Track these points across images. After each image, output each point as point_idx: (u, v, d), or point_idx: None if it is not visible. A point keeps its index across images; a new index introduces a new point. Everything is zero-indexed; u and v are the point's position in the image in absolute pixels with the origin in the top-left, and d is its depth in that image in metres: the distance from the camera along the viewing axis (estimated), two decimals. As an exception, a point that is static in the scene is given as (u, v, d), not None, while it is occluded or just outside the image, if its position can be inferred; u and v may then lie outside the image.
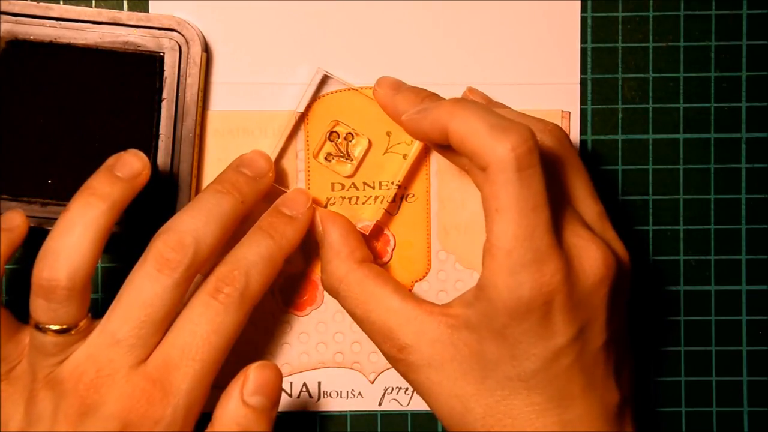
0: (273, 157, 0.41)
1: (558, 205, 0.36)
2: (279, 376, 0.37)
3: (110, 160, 0.37)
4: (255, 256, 0.38)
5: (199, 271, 0.37)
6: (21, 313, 0.37)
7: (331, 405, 0.44)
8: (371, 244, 0.43)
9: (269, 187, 0.40)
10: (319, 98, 0.43)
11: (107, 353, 0.35)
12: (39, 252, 0.35)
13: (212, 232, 0.37)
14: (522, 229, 0.34)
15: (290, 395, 0.43)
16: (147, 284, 0.35)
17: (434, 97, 0.40)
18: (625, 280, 0.38)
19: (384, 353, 0.39)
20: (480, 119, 0.34)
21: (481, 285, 0.36)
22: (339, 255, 0.39)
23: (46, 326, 0.35)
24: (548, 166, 0.35)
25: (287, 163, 0.43)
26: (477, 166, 0.35)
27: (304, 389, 0.43)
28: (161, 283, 0.35)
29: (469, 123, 0.34)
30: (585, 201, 0.38)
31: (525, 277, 0.34)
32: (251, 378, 0.36)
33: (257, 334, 0.43)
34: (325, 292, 0.43)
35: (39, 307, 0.35)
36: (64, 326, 0.35)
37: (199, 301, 0.36)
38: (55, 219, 0.41)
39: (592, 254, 0.35)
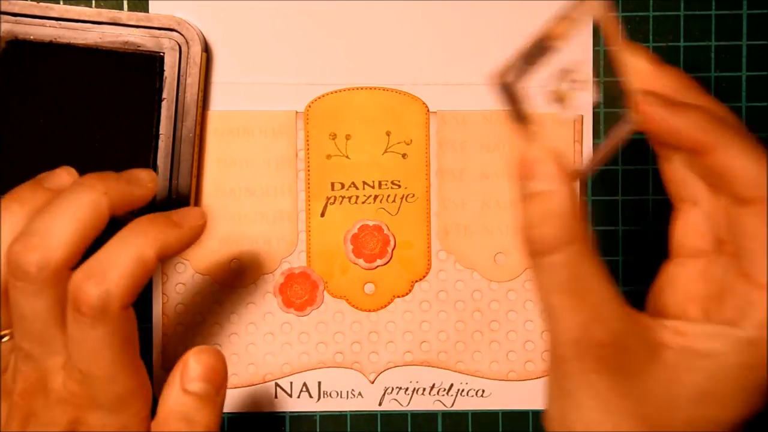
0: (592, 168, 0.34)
1: None
2: (221, 360, 0.34)
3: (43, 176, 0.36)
4: (119, 257, 0.32)
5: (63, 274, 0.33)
6: None
7: (331, 405, 0.44)
8: (371, 245, 0.43)
9: (144, 196, 0.35)
10: (319, 98, 0.43)
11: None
12: None
13: (68, 230, 0.32)
14: None
15: (290, 395, 0.44)
16: (21, 301, 0.32)
17: (694, 93, 0.33)
18: None
19: None
20: (751, 151, 0.31)
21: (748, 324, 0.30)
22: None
23: None
24: None
25: (287, 163, 0.43)
26: (734, 196, 0.31)
27: (304, 389, 0.44)
28: (30, 294, 0.32)
29: (740, 153, 0.31)
30: None
31: None
32: (190, 365, 0.34)
33: (257, 334, 0.43)
34: (326, 292, 0.43)
35: None
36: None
37: (70, 319, 0.32)
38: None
39: None
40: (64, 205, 0.33)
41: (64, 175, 0.36)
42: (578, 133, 0.43)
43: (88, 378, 0.32)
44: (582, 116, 0.43)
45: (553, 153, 0.30)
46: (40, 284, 0.32)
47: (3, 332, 0.34)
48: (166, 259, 0.35)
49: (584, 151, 0.43)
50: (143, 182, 0.35)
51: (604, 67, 0.43)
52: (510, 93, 0.29)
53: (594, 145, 0.43)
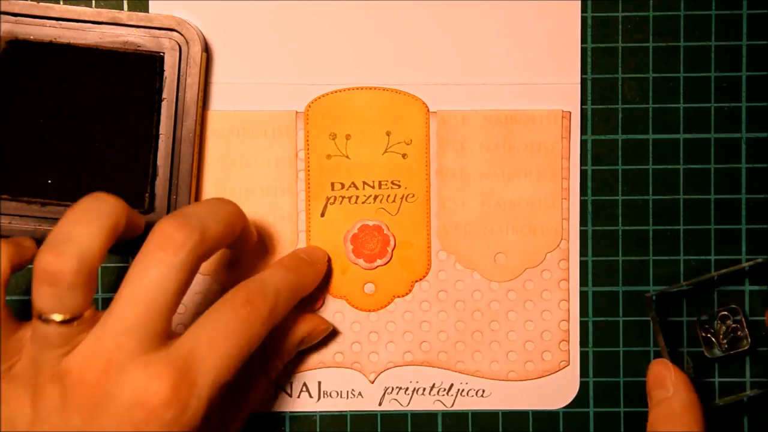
0: None
1: None
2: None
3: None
4: (282, 283, 0.37)
5: (204, 259, 0.35)
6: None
7: (331, 405, 0.44)
8: (371, 245, 0.43)
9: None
10: (319, 98, 0.43)
11: (116, 340, 0.34)
12: (45, 240, 0.34)
13: (217, 225, 0.36)
14: None
15: (290, 395, 0.43)
16: (152, 266, 0.34)
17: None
18: None
19: None
20: None
21: None
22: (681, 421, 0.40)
23: (50, 316, 0.34)
24: None
25: (287, 163, 0.43)
26: None
27: (304, 389, 0.43)
28: (166, 264, 0.34)
29: None
30: None
31: None
32: None
33: (257, 334, 0.43)
34: (326, 292, 0.43)
35: (43, 295, 0.34)
36: (69, 316, 0.34)
37: (227, 306, 0.35)
38: (56, 219, 0.41)
39: None
40: (213, 206, 0.37)
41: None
42: (566, 129, 0.43)
43: None
44: (570, 113, 0.43)
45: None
46: (185, 255, 0.34)
47: (73, 314, 0.34)
48: (303, 296, 0.40)
49: (571, 147, 0.43)
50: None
51: (592, 64, 0.43)
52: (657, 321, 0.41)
53: (582, 141, 0.43)
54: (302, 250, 0.42)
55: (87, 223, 0.34)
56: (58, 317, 0.34)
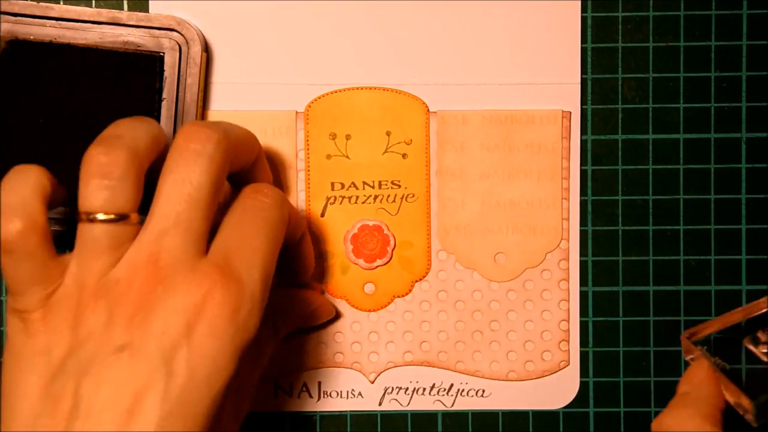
0: None
1: None
2: None
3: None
4: (268, 172, 0.38)
5: (229, 161, 0.35)
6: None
7: (331, 405, 0.44)
8: (371, 245, 0.43)
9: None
10: (319, 98, 0.43)
11: (162, 241, 0.32)
12: (96, 139, 0.34)
13: (237, 131, 0.36)
14: None
15: (290, 395, 0.44)
16: (182, 164, 0.33)
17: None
18: None
19: None
20: None
21: None
22: (699, 411, 0.38)
23: (98, 215, 0.32)
24: None
25: (287, 163, 0.43)
26: None
27: (304, 389, 0.43)
28: (199, 153, 0.33)
29: None
30: None
31: None
32: None
33: (257, 334, 0.43)
34: (326, 292, 0.43)
35: (92, 190, 0.32)
36: (117, 213, 0.32)
37: (237, 208, 0.35)
38: (56, 219, 0.41)
39: None
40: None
41: None
42: (566, 129, 0.43)
43: None
44: (570, 113, 0.43)
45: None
46: (213, 147, 0.34)
47: (124, 211, 0.33)
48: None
49: (571, 147, 0.43)
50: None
51: (592, 64, 0.43)
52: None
53: (582, 141, 0.43)
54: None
55: (134, 127, 0.34)
56: (105, 216, 0.32)
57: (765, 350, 0.42)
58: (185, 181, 0.33)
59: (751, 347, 0.42)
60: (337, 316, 0.43)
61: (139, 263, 0.32)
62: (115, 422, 0.30)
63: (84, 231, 0.33)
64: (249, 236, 0.34)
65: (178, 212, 0.33)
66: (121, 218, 0.33)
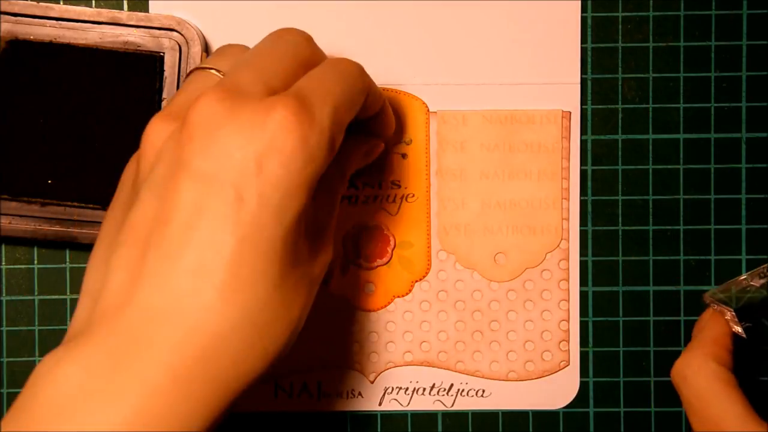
0: None
1: None
2: None
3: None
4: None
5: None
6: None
7: (331, 405, 0.44)
8: (371, 245, 0.43)
9: None
10: (319, 98, 0.43)
11: (239, 76, 0.33)
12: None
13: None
14: None
15: (290, 395, 0.44)
16: (281, 38, 0.35)
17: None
18: None
19: None
20: None
21: None
22: (704, 350, 0.39)
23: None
24: None
25: (287, 163, 0.43)
26: None
27: (303, 389, 0.44)
28: (294, 33, 0.35)
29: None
30: None
31: None
32: None
33: (257, 334, 0.43)
34: (326, 292, 0.43)
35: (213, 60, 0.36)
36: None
37: (323, 63, 0.35)
38: (56, 219, 0.41)
39: None
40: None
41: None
42: (566, 129, 0.43)
43: None
44: (570, 113, 0.43)
45: None
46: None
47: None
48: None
49: (571, 147, 0.43)
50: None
51: (592, 64, 0.43)
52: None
53: (582, 141, 0.43)
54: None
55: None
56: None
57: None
58: (277, 48, 0.35)
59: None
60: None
61: (212, 96, 0.32)
62: (187, 242, 0.30)
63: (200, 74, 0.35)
64: (327, 82, 0.34)
65: (263, 62, 0.34)
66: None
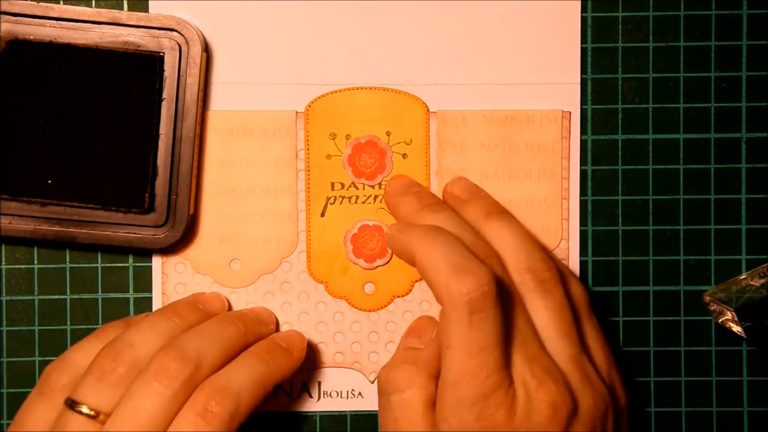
0: None
1: (523, 344, 0.36)
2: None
3: (198, 296, 0.42)
4: (248, 379, 0.37)
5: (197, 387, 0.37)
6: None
7: (331, 405, 0.44)
8: (371, 245, 0.43)
9: (269, 334, 0.41)
10: (319, 98, 0.43)
11: None
12: (109, 343, 0.37)
13: (214, 353, 0.37)
14: (469, 367, 0.34)
15: (290, 395, 0.44)
16: (145, 396, 0.35)
17: (434, 207, 0.40)
18: (607, 419, 0.37)
19: None
20: (443, 257, 0.35)
21: (436, 412, 0.36)
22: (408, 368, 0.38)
23: (81, 405, 0.36)
24: (520, 304, 0.37)
25: (287, 163, 0.43)
26: (436, 299, 0.36)
27: (304, 389, 0.44)
28: (159, 395, 0.35)
29: (432, 259, 0.36)
30: (556, 342, 0.37)
31: (469, 411, 0.35)
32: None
33: (257, 334, 0.43)
34: (326, 292, 0.43)
35: (86, 385, 0.36)
36: (98, 410, 0.36)
37: (186, 421, 0.36)
38: (56, 219, 0.41)
39: (542, 394, 0.35)
40: (213, 333, 0.38)
41: (217, 303, 0.42)
42: (566, 129, 0.43)
43: None
44: (570, 113, 0.43)
45: None
46: (178, 386, 0.36)
47: (102, 410, 0.36)
48: (275, 384, 0.39)
49: (571, 147, 0.43)
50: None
51: (592, 64, 0.43)
52: None
53: (582, 141, 0.43)
54: (280, 336, 0.41)
55: (149, 336, 0.38)
56: (86, 410, 0.36)
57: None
58: (144, 413, 0.36)
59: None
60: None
61: None
62: None
63: (63, 415, 0.36)
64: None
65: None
66: (98, 415, 0.36)
